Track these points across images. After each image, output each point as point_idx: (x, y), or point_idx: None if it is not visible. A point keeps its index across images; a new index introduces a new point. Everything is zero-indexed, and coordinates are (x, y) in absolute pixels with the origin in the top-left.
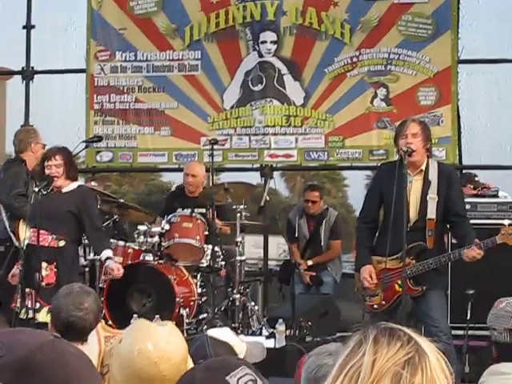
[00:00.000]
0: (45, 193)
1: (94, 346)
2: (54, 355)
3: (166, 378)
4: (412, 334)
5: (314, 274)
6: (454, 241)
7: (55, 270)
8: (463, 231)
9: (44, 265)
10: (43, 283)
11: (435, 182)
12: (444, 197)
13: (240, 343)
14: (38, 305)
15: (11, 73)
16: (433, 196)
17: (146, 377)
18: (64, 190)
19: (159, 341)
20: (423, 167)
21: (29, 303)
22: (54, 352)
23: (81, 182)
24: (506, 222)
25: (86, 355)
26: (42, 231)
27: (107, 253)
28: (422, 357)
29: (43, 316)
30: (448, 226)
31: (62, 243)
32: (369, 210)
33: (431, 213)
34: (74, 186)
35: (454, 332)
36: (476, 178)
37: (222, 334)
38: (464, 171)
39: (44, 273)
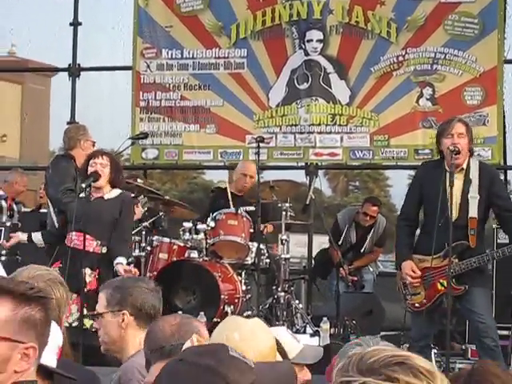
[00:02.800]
0: (85, 195)
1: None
2: None
3: None
4: None
5: (356, 279)
6: (499, 241)
7: (97, 276)
8: None
9: (88, 271)
10: (85, 289)
11: (476, 180)
12: (486, 195)
13: (293, 342)
14: (85, 311)
15: (57, 69)
16: (474, 195)
17: None
18: (106, 197)
19: (245, 332)
20: (464, 166)
21: (73, 308)
22: None
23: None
24: None
25: None
26: (87, 236)
27: (120, 259)
28: None
29: (89, 322)
30: (498, 222)
31: (104, 250)
32: (409, 209)
33: (473, 211)
34: (116, 192)
35: (498, 332)
36: None
37: (276, 331)
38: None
39: (88, 279)
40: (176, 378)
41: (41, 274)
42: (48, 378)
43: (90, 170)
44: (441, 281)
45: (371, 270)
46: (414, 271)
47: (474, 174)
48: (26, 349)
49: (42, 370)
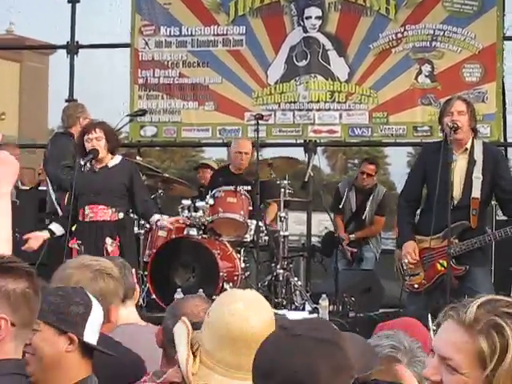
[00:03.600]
0: (88, 168)
1: (180, 328)
2: None
3: (256, 335)
4: None
5: (356, 250)
6: (498, 218)
7: (119, 244)
8: None
9: (109, 241)
10: None
11: (480, 161)
12: (490, 176)
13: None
14: None
15: (56, 47)
16: (478, 175)
17: (238, 335)
18: (110, 165)
19: (249, 300)
20: (468, 146)
21: None
22: None
23: (120, 155)
24: None
25: None
26: (100, 206)
27: (156, 217)
28: None
29: None
30: (499, 204)
31: (121, 215)
32: (411, 189)
33: (476, 192)
34: (118, 159)
35: None
36: None
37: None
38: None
39: (110, 249)
40: (293, 351)
41: (90, 264)
42: (88, 356)
43: (88, 146)
44: (440, 261)
45: (372, 247)
46: (414, 253)
47: (479, 155)
48: None
49: (83, 347)
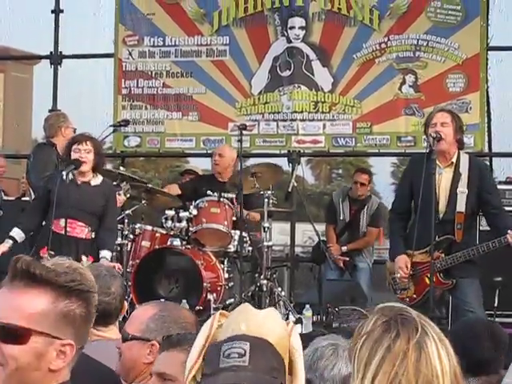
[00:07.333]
0: (70, 179)
1: (204, 327)
2: None
3: None
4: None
5: (348, 259)
6: (482, 228)
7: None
8: (503, 222)
9: (84, 258)
10: None
11: (466, 174)
12: (475, 190)
13: None
14: None
15: (39, 57)
16: (463, 189)
17: None
18: (93, 183)
19: (252, 323)
20: (454, 160)
21: None
22: None
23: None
24: None
25: None
26: (79, 223)
27: (106, 253)
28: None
29: None
30: (486, 219)
31: (93, 235)
32: (401, 201)
33: (460, 206)
34: (99, 179)
35: None
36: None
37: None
38: None
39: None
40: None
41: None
42: None
43: (74, 156)
44: (428, 276)
45: (365, 257)
46: (406, 267)
47: (464, 169)
48: (63, 346)
49: None
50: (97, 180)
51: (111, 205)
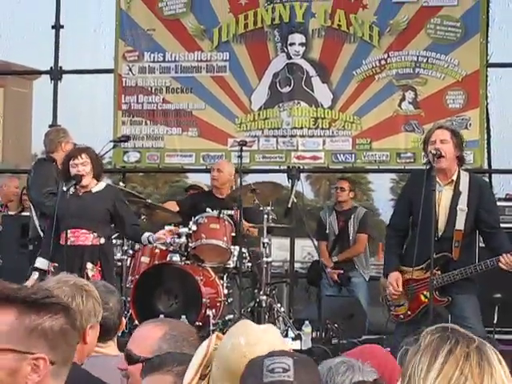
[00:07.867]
0: (71, 192)
1: (200, 348)
2: None
3: None
4: None
5: (342, 271)
6: (481, 245)
7: (99, 269)
8: (498, 242)
9: (89, 265)
10: None
11: (466, 193)
12: (475, 209)
13: None
14: None
15: (39, 72)
16: (462, 207)
17: (236, 371)
18: (94, 190)
19: (251, 337)
20: (454, 178)
21: None
22: None
23: (107, 181)
24: None
25: None
26: (82, 230)
27: (146, 234)
28: None
29: None
30: (482, 237)
31: (102, 240)
32: (399, 218)
33: (459, 224)
34: (102, 185)
35: None
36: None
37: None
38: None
39: (90, 273)
40: None
41: (67, 279)
42: None
43: (73, 171)
44: (424, 293)
45: (359, 271)
46: (397, 284)
47: (464, 187)
48: (36, 359)
49: None
50: (99, 186)
51: (121, 205)
